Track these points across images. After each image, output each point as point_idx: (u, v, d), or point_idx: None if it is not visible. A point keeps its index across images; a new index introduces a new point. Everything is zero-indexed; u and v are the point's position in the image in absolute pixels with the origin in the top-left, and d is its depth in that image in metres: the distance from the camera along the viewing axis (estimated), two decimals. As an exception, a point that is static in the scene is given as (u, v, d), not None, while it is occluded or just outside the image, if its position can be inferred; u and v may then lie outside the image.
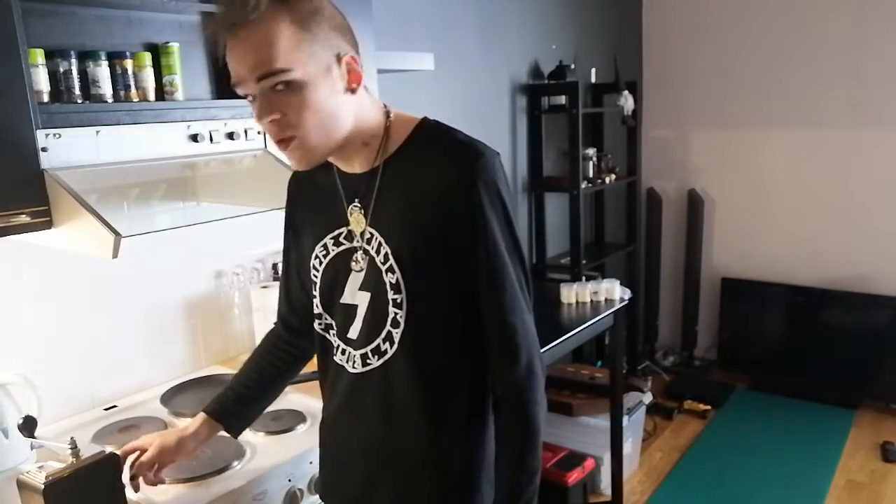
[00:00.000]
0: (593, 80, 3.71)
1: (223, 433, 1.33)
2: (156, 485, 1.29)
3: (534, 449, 1.10)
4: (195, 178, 1.77)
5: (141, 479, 1.26)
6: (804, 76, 3.77)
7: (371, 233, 1.10)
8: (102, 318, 1.79)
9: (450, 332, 1.11)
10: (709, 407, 3.73)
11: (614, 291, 2.58)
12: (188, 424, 1.31)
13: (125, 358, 1.85)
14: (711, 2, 3.98)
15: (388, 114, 1.10)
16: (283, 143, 1.01)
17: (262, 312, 1.98)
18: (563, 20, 3.56)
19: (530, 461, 1.10)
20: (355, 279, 1.13)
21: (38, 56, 1.36)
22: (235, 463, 1.45)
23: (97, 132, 1.42)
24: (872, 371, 3.68)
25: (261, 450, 1.52)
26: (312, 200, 1.21)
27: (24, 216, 1.30)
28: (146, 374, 1.90)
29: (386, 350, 1.10)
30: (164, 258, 1.92)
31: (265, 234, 2.17)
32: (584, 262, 3.45)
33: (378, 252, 1.09)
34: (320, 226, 1.18)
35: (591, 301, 2.56)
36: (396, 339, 1.09)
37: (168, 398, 1.79)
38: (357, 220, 1.12)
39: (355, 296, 1.13)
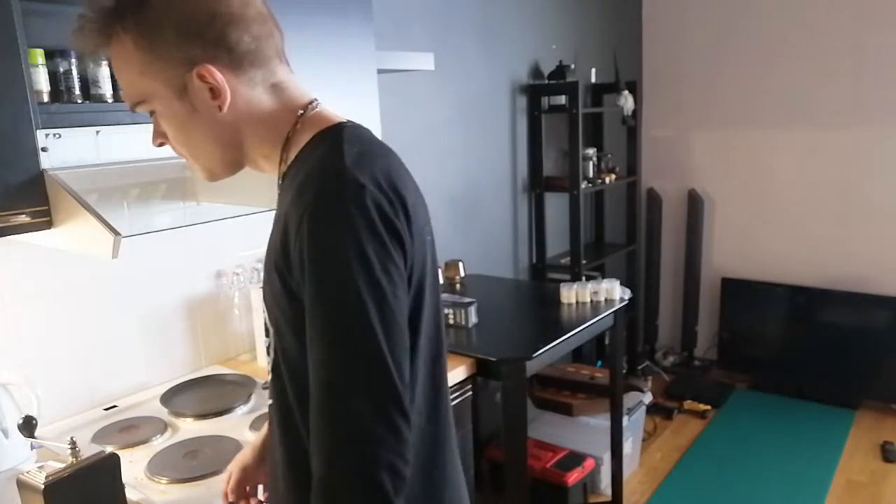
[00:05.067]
0: (593, 80, 3.71)
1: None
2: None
3: None
4: (195, 178, 1.77)
5: None
6: (804, 76, 3.77)
7: None
8: (102, 318, 1.79)
9: (304, 375, 0.85)
10: (709, 407, 3.73)
11: (614, 291, 2.58)
12: (257, 435, 1.27)
13: (125, 358, 1.85)
14: (711, 2, 3.98)
15: (300, 116, 0.92)
16: None
17: (261, 312, 1.98)
18: (563, 20, 3.56)
19: None
20: None
21: (38, 56, 1.35)
22: (235, 463, 1.45)
23: (97, 132, 1.42)
24: (872, 371, 3.68)
25: (261, 450, 1.51)
26: None
27: (24, 216, 1.30)
28: (146, 374, 1.90)
29: (270, 375, 0.98)
30: (164, 258, 1.92)
31: (265, 234, 2.19)
32: (584, 262, 3.45)
33: None
34: None
35: (591, 301, 2.55)
36: (270, 367, 0.97)
37: (168, 398, 1.79)
38: None
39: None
